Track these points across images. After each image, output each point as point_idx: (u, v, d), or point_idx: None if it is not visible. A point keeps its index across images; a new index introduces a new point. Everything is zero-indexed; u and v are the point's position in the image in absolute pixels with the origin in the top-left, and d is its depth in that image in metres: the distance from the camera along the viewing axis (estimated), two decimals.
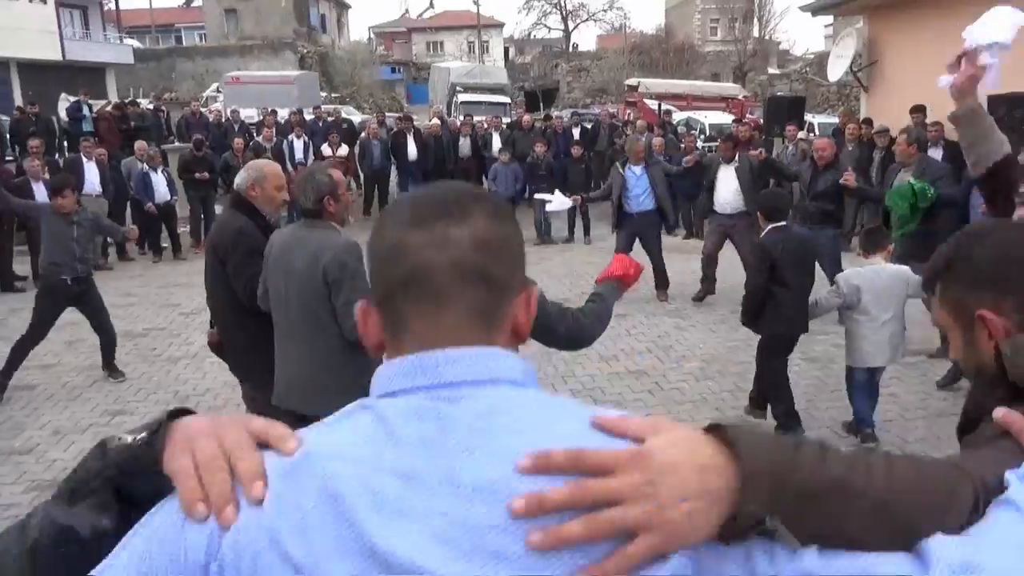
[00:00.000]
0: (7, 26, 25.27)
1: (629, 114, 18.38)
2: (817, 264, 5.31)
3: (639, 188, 8.03)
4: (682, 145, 11.33)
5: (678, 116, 17.50)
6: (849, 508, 0.76)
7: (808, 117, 15.81)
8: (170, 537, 0.76)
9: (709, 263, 8.11)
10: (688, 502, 0.72)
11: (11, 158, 12.68)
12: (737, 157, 7.82)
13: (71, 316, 6.44)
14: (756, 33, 43.06)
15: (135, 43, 37.47)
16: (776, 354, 4.96)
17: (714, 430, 0.77)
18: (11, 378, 5.88)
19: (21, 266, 9.67)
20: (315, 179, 3.18)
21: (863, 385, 4.70)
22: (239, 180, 3.74)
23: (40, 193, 9.22)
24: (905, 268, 4.66)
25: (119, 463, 0.79)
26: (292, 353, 3.23)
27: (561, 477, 0.72)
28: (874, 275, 4.57)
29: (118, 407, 5.72)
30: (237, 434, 0.80)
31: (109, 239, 10.29)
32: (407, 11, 57.96)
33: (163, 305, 8.54)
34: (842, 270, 5.94)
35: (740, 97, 23.69)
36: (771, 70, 37.00)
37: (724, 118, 18.16)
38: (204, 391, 5.87)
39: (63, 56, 28.27)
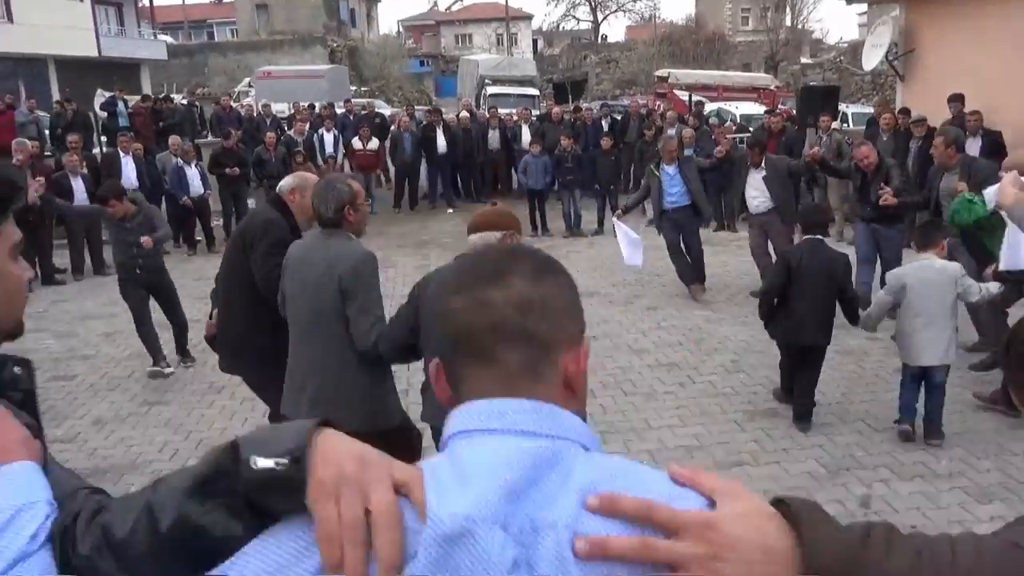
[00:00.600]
0: (45, 24, 25.80)
1: (659, 105, 18.21)
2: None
3: (674, 187, 8.01)
4: (714, 138, 11.23)
5: (709, 107, 17.29)
6: None
7: (842, 107, 15.57)
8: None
9: (760, 254, 8.00)
10: None
11: (49, 153, 12.94)
12: (764, 163, 7.70)
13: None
14: (788, 22, 42.50)
15: (168, 39, 37.96)
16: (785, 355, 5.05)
17: (780, 506, 0.78)
18: (161, 353, 6.32)
19: (60, 259, 9.87)
20: (336, 188, 3.21)
21: (911, 382, 4.64)
22: (283, 184, 3.91)
23: (78, 187, 9.44)
24: (955, 266, 4.56)
25: (258, 486, 0.79)
26: (303, 360, 3.27)
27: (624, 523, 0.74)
28: (922, 270, 4.52)
29: (156, 397, 5.83)
30: (383, 494, 0.77)
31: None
32: (435, 4, 58.11)
33: (198, 298, 8.62)
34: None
35: (772, 87, 23.38)
36: (804, 59, 36.43)
37: (756, 109, 17.94)
38: (239, 382, 5.93)
39: (99, 53, 28.75)
